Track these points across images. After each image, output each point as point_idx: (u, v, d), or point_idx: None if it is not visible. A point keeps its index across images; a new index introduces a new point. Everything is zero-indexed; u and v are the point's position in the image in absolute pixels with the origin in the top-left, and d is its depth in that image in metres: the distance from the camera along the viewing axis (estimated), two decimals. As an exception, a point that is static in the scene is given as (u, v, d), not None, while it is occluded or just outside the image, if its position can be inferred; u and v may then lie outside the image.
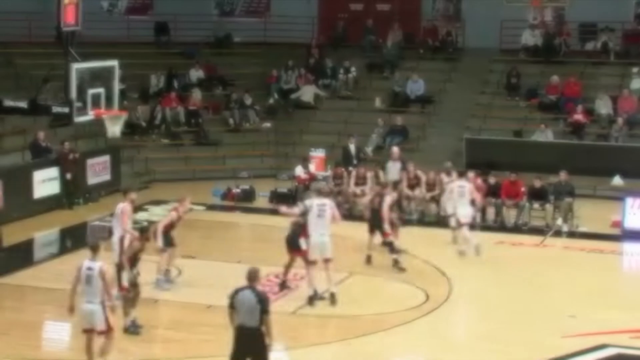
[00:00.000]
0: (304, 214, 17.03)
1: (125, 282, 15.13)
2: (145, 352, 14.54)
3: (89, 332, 13.27)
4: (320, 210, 16.94)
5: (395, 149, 24.56)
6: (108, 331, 13.20)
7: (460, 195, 20.51)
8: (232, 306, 12.09)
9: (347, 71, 32.05)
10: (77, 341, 15.13)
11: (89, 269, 13.12)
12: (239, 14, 36.22)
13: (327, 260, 16.86)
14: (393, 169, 23.75)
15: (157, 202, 24.97)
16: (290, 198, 25.19)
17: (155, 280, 17.39)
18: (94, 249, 13.36)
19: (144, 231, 16.66)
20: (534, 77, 31.05)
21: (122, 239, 16.49)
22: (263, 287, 17.51)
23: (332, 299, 16.69)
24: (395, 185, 22.99)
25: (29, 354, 14.51)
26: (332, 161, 26.45)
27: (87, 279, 13.09)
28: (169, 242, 17.46)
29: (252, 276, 12.24)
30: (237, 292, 12.12)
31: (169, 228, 17.45)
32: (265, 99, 32.13)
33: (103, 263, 13.24)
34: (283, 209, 18.18)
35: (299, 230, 17.03)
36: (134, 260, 15.28)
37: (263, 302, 12.03)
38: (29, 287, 17.87)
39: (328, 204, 17.16)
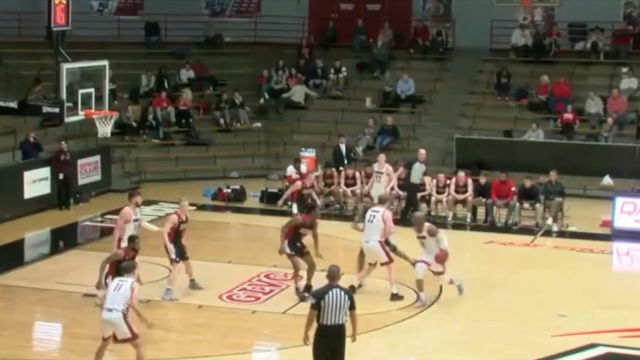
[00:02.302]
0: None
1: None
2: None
3: (106, 340, 13.24)
4: (371, 216, 17.40)
5: (423, 151, 23.92)
6: (133, 338, 13.10)
7: (377, 180, 22.86)
8: (318, 307, 12.06)
9: (337, 71, 32.07)
10: (69, 341, 15.20)
11: (122, 280, 13.26)
12: (230, 14, 36.20)
13: (382, 264, 17.20)
14: (419, 171, 23.40)
15: (148, 203, 24.96)
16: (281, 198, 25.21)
17: (165, 291, 17.04)
18: (128, 270, 13.44)
19: (132, 240, 15.79)
20: (523, 77, 31.12)
21: (119, 241, 16.44)
22: (253, 288, 17.76)
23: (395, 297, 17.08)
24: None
25: (20, 354, 14.48)
26: (322, 161, 26.48)
27: (116, 286, 13.16)
28: (181, 254, 17.00)
29: (336, 274, 12.42)
30: (324, 292, 12.14)
31: (175, 235, 16.90)
32: (255, 99, 32.14)
33: (134, 281, 13.26)
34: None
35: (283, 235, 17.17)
36: (118, 270, 14.66)
37: (352, 298, 12.23)
38: (19, 288, 17.83)
39: (381, 211, 17.45)
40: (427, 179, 23.81)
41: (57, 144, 25.08)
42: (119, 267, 14.51)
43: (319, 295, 12.17)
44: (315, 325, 12.20)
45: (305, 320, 12.31)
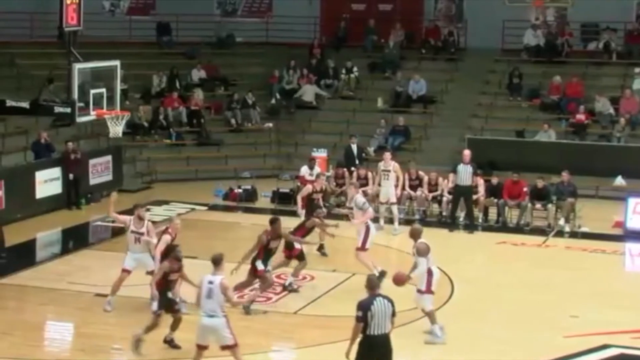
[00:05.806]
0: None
1: (154, 307, 14.59)
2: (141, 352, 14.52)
3: (201, 347, 13.04)
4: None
5: (467, 152, 23.33)
6: (235, 345, 12.90)
7: (385, 178, 22.74)
8: (364, 319, 11.89)
9: (349, 71, 32.04)
10: (80, 341, 15.20)
11: (210, 282, 12.88)
12: (241, 14, 36.23)
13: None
14: (464, 173, 22.87)
15: (159, 203, 25.00)
16: (293, 198, 25.15)
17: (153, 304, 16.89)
18: (216, 263, 13.05)
19: (172, 250, 15.15)
20: (535, 77, 31.04)
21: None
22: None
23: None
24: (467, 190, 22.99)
25: (31, 354, 14.49)
26: (334, 161, 26.46)
27: (207, 293, 12.83)
28: None
29: (376, 284, 12.36)
30: (370, 303, 11.97)
31: (166, 251, 16.31)
32: (267, 99, 32.14)
33: (224, 277, 12.99)
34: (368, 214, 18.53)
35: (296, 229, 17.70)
36: (165, 282, 14.48)
37: (394, 305, 12.16)
38: (30, 288, 17.83)
39: None
40: (480, 181, 23.38)
41: (65, 145, 25.00)
42: (167, 280, 14.39)
43: (365, 307, 11.96)
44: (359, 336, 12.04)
45: (351, 334, 12.06)
